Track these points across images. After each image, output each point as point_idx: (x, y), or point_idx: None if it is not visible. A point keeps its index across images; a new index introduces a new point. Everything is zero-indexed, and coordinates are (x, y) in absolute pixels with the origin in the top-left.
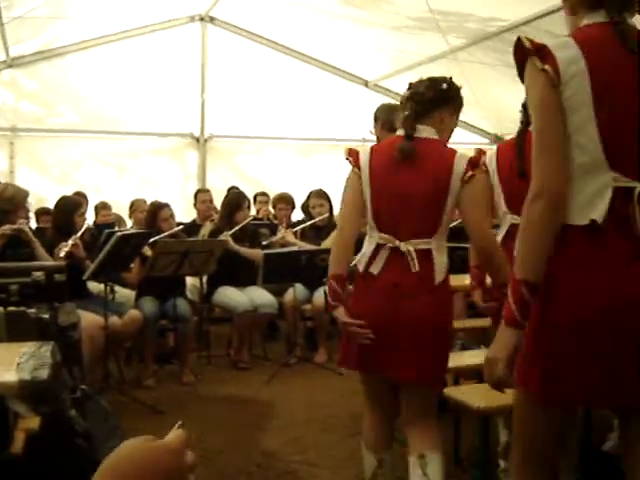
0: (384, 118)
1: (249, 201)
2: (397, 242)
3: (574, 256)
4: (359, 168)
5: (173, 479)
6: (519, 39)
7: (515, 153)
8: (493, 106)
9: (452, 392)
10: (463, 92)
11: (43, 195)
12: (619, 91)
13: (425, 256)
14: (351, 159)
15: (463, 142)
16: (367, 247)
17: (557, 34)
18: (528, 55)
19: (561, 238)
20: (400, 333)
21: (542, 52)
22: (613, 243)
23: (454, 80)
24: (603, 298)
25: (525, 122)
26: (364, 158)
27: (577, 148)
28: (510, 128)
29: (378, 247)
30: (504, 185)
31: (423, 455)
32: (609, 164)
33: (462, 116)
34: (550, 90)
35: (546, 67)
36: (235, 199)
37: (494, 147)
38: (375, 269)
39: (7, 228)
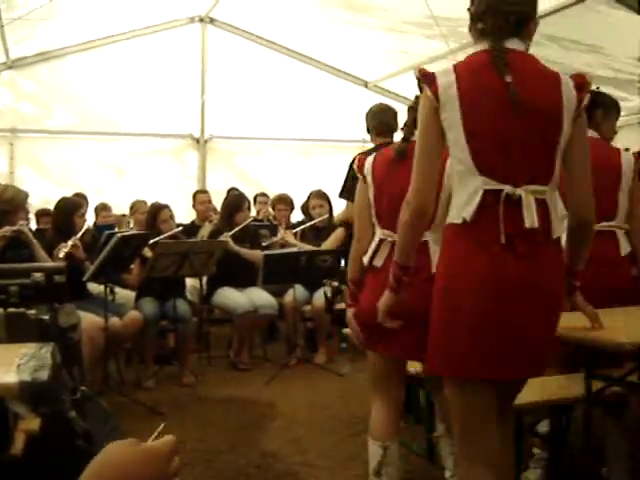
0: (371, 124)
1: (249, 202)
2: (396, 236)
3: (451, 250)
4: (364, 176)
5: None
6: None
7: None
8: None
9: None
10: None
11: (43, 196)
12: (484, 111)
13: (421, 249)
14: (358, 168)
15: None
16: (372, 242)
17: (550, 34)
18: (418, 83)
19: (445, 235)
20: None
21: (428, 79)
22: (482, 237)
23: None
24: (474, 282)
25: (405, 138)
26: (368, 165)
27: (455, 159)
28: None
29: (380, 242)
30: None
31: None
32: (478, 171)
33: None
34: (431, 112)
35: (428, 93)
36: (235, 200)
37: None
38: (378, 262)
39: (7, 230)
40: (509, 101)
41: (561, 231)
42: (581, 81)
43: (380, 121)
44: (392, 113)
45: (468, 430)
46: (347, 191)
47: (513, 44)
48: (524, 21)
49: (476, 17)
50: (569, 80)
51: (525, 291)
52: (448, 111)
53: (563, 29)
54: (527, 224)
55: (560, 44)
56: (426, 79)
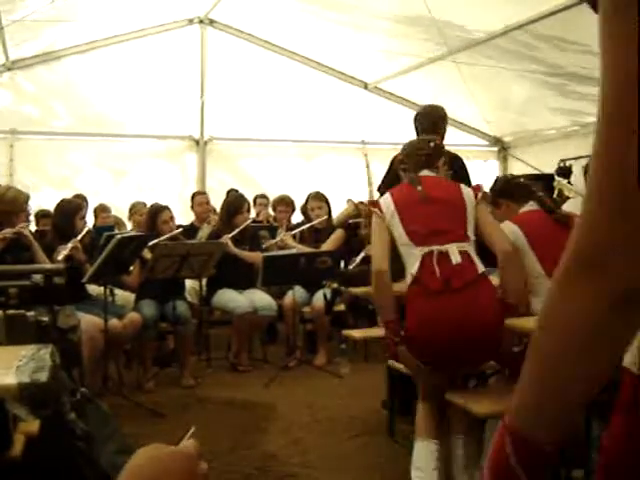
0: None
1: (249, 204)
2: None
3: (409, 298)
4: (382, 211)
5: None
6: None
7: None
8: (492, 107)
9: None
10: (462, 94)
11: (43, 198)
12: (410, 209)
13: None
14: (376, 209)
15: (462, 144)
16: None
17: (547, 35)
18: (371, 208)
19: (407, 293)
20: None
21: (375, 205)
22: (424, 286)
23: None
24: (419, 319)
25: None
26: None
27: (398, 241)
28: (509, 129)
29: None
30: None
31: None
32: (414, 244)
33: (461, 118)
34: (380, 221)
35: (376, 210)
36: (235, 202)
37: (494, 149)
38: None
39: (7, 232)
40: (422, 198)
41: (483, 268)
42: (476, 187)
43: (419, 124)
44: (435, 116)
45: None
46: (386, 186)
47: (424, 173)
48: (432, 160)
49: (399, 160)
50: (468, 189)
51: (461, 320)
52: (389, 218)
53: (560, 30)
54: (453, 261)
55: (557, 45)
56: (375, 206)
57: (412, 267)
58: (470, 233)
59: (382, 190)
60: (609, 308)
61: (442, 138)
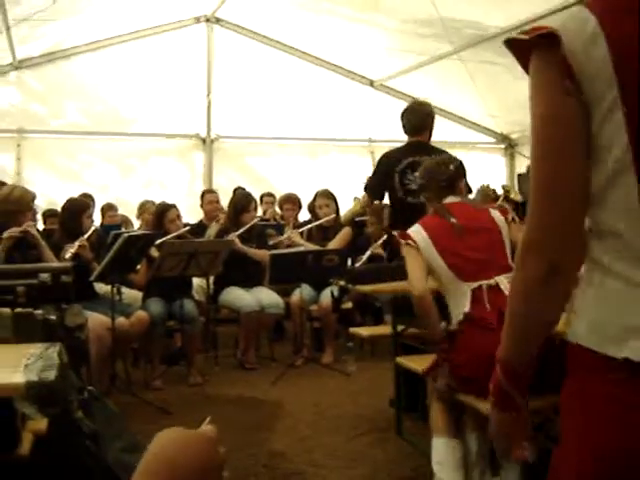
0: (401, 123)
1: (256, 202)
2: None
3: (461, 335)
4: (415, 241)
5: (209, 466)
6: None
7: None
8: (499, 105)
9: None
10: (469, 91)
11: (50, 196)
12: (449, 244)
13: None
14: (408, 240)
15: (470, 142)
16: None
17: None
18: (402, 240)
19: (457, 328)
20: None
21: (405, 237)
22: (478, 322)
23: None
24: (474, 355)
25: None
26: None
27: (439, 275)
28: (516, 126)
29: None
30: None
31: None
32: (460, 279)
33: (468, 115)
34: (413, 250)
35: (409, 241)
36: (242, 200)
37: (501, 146)
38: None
39: (14, 230)
40: (457, 231)
41: None
42: (503, 210)
43: (407, 120)
44: (422, 112)
45: None
46: (373, 188)
47: (450, 200)
48: (455, 183)
49: (420, 189)
50: (495, 210)
51: None
52: (425, 247)
53: None
54: (506, 293)
55: None
56: (405, 238)
57: (462, 304)
58: (511, 261)
59: (370, 191)
60: (544, 273)
61: (430, 135)
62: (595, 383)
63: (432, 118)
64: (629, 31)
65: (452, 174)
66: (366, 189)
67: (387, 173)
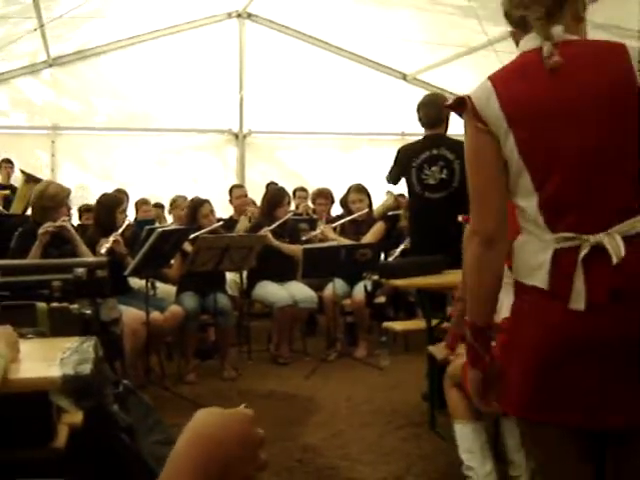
0: (418, 116)
1: (289, 197)
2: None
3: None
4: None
5: (248, 443)
6: None
7: None
8: None
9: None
10: None
11: (84, 193)
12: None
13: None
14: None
15: None
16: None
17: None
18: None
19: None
20: None
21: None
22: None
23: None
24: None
25: None
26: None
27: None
28: None
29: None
30: None
31: None
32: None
33: None
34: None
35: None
36: (276, 195)
37: None
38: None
39: (49, 225)
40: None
41: None
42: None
43: (424, 114)
44: (438, 105)
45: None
46: (393, 178)
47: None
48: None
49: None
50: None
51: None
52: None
53: (602, 16)
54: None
55: (604, 29)
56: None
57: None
58: None
59: (390, 179)
60: (480, 245)
61: (447, 127)
62: (523, 301)
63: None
64: (513, 89)
65: None
66: (387, 179)
67: (405, 167)
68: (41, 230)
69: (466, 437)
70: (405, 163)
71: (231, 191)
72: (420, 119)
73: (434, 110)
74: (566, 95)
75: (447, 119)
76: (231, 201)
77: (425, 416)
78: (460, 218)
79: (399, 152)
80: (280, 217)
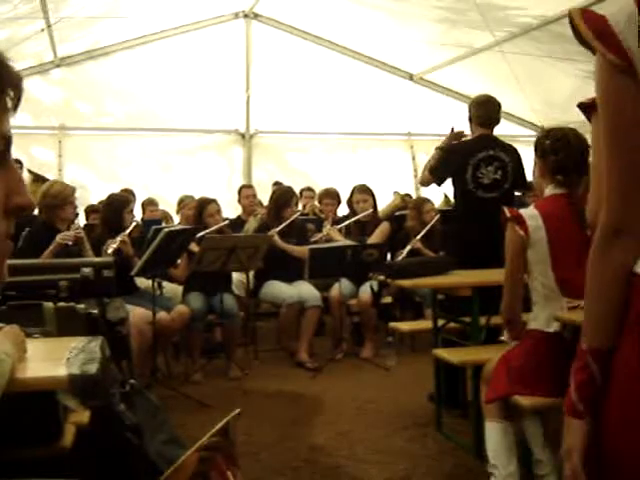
0: (474, 115)
1: (297, 197)
2: None
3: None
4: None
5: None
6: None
7: None
8: (540, 98)
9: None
10: (509, 84)
11: (91, 193)
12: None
13: None
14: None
15: (510, 134)
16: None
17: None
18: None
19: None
20: None
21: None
22: None
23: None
24: None
25: None
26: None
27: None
28: (557, 119)
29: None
30: None
31: None
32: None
33: (509, 109)
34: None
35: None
36: (284, 195)
37: None
38: None
39: (67, 236)
40: None
41: None
42: None
43: (485, 111)
44: (495, 105)
45: None
46: (444, 172)
47: None
48: None
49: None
50: None
51: None
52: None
53: None
54: None
55: None
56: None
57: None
58: None
59: (435, 174)
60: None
61: (492, 130)
62: None
63: (500, 114)
64: None
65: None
66: (431, 171)
67: (460, 164)
68: (58, 239)
69: (495, 436)
70: (460, 161)
71: (240, 191)
72: (479, 117)
73: (494, 109)
74: None
75: (497, 123)
76: (239, 201)
77: (431, 417)
78: (507, 211)
79: (454, 148)
80: (288, 217)
